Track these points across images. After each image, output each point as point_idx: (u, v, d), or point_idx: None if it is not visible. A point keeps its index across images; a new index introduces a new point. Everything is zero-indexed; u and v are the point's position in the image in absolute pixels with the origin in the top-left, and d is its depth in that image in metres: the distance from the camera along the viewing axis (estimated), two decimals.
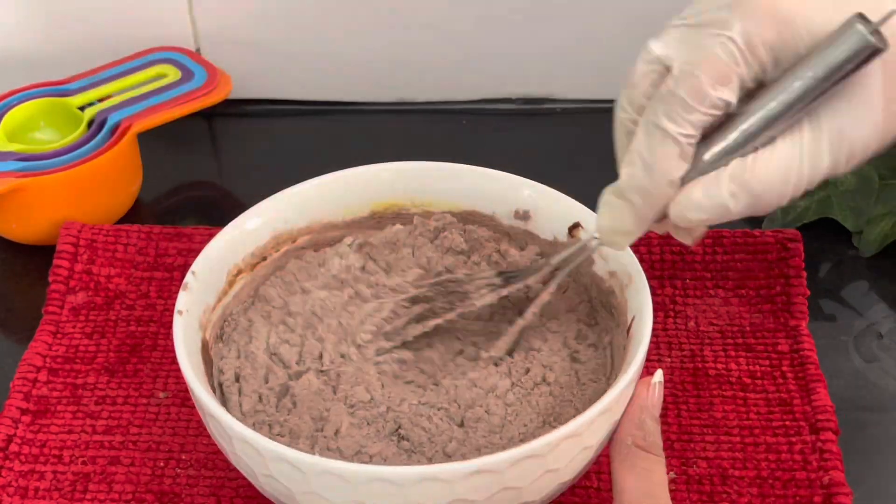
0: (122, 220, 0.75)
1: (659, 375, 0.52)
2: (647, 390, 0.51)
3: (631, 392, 0.51)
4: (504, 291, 0.57)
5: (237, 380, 0.56)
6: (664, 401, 0.60)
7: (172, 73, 0.77)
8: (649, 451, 0.50)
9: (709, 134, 0.49)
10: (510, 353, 0.56)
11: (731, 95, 0.47)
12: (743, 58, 0.47)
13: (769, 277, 0.67)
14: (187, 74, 0.77)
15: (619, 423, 0.51)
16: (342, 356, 0.57)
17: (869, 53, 0.45)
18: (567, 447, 0.49)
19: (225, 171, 0.83)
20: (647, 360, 0.53)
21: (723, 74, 0.47)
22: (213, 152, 0.84)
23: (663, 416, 0.60)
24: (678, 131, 0.48)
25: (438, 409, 0.54)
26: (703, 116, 0.48)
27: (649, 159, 0.49)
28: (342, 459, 0.51)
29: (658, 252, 0.68)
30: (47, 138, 0.75)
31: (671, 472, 0.58)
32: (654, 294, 0.54)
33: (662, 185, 0.49)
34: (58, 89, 0.76)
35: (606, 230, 0.52)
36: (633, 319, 0.54)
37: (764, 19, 0.47)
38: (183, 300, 0.55)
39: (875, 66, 0.46)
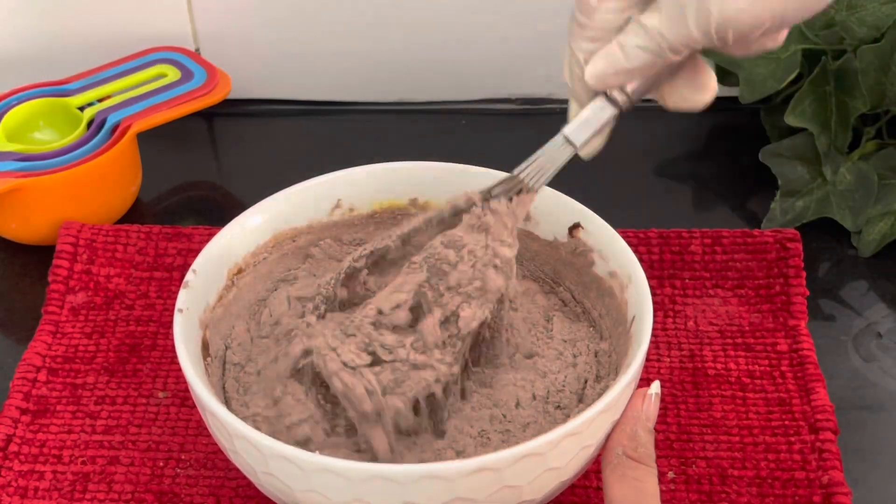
0: (121, 220, 0.75)
1: (655, 387, 0.52)
2: (642, 401, 0.51)
3: (631, 392, 0.51)
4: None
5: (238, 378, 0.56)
6: (664, 401, 0.60)
7: (172, 73, 0.77)
8: (640, 462, 0.50)
9: None
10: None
11: None
12: None
13: (768, 277, 0.67)
14: (187, 74, 0.77)
15: (611, 433, 0.51)
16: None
17: None
18: (567, 446, 0.49)
19: (225, 171, 0.83)
20: (647, 359, 0.52)
21: None
22: (213, 152, 0.84)
23: (663, 415, 0.60)
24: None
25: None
26: None
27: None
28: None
29: (657, 252, 0.68)
30: (47, 138, 0.75)
31: (670, 472, 0.58)
32: (653, 294, 0.54)
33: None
34: (58, 89, 0.76)
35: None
36: (633, 319, 0.54)
37: None
38: (183, 298, 0.55)
39: None
